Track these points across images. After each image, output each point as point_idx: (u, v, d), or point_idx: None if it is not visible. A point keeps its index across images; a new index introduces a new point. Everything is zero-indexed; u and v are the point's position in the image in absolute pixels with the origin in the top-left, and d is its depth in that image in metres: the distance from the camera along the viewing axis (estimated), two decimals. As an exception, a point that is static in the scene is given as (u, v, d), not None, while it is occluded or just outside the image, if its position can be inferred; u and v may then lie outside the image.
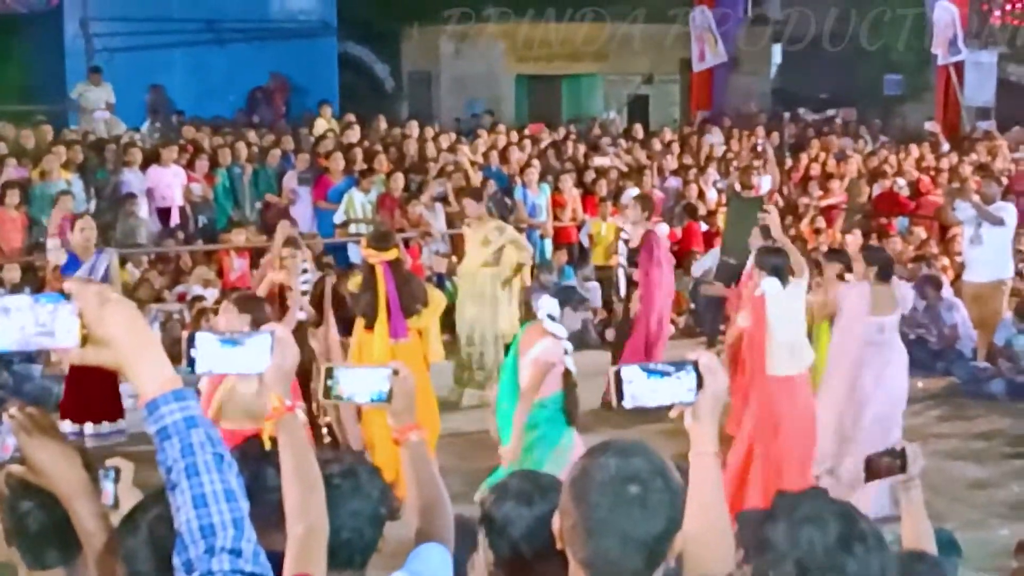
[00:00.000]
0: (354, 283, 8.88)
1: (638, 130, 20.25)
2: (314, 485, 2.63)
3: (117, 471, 2.69)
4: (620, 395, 2.54)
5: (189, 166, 15.28)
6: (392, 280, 8.58)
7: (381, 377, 2.98)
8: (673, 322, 13.62)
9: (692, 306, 14.12)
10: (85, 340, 1.98)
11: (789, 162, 18.62)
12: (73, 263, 9.86)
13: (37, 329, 1.95)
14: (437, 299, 9.19)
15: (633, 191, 14.66)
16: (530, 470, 3.23)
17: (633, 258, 11.21)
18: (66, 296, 1.98)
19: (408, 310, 8.68)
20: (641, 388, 2.54)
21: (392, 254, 8.68)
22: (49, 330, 1.96)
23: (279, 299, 8.58)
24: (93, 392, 9.71)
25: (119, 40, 21.89)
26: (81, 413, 9.79)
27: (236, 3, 23.16)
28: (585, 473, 2.43)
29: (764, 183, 13.31)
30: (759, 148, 16.84)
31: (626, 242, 11.34)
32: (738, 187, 13.37)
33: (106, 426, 9.92)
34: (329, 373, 2.96)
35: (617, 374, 2.54)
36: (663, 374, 2.56)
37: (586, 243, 15.17)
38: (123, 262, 13.29)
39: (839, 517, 2.39)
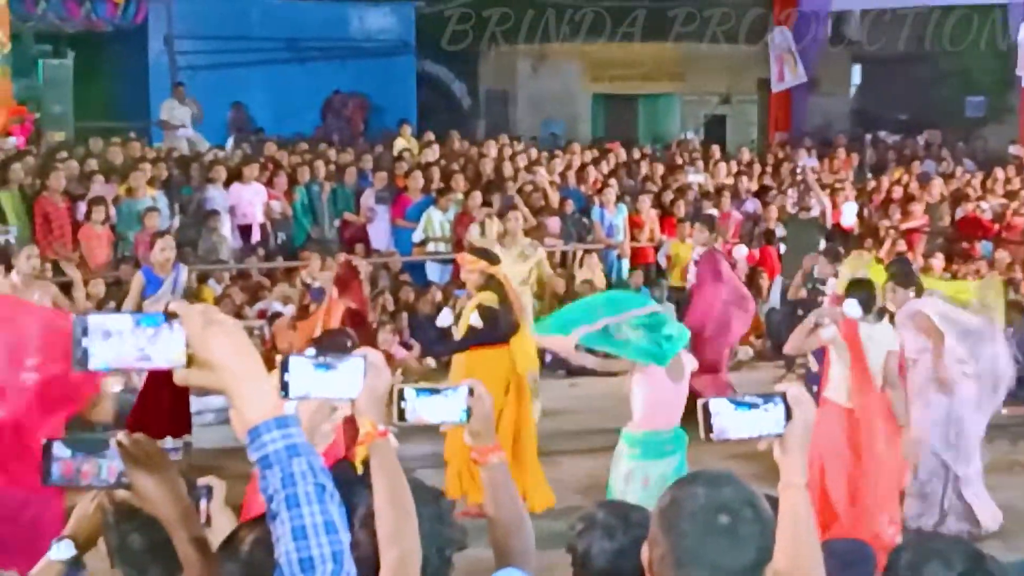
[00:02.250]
0: (488, 299, 8.53)
1: (715, 151, 20.09)
2: (408, 510, 2.61)
3: (210, 490, 2.72)
4: (708, 427, 2.51)
5: (269, 184, 15.46)
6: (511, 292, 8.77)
7: (458, 398, 2.88)
8: (751, 345, 13.56)
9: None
10: (190, 361, 1.97)
11: (871, 184, 18.40)
12: (154, 280, 10.09)
13: (137, 352, 1.95)
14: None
15: (712, 212, 14.62)
16: (621, 502, 3.17)
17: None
18: (168, 317, 1.97)
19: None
20: (729, 420, 2.51)
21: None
22: (148, 353, 1.95)
23: (353, 323, 8.58)
24: (164, 407, 9.65)
25: (202, 58, 22.21)
26: (151, 427, 9.76)
27: (316, 22, 23.41)
28: (675, 503, 2.43)
29: (848, 209, 13.24)
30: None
31: (696, 263, 11.35)
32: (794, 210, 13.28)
33: (170, 441, 9.96)
34: (400, 395, 2.83)
35: (705, 406, 2.51)
36: (751, 406, 2.53)
37: (663, 264, 15.09)
38: (205, 278, 13.46)
39: (967, 557, 2.35)
